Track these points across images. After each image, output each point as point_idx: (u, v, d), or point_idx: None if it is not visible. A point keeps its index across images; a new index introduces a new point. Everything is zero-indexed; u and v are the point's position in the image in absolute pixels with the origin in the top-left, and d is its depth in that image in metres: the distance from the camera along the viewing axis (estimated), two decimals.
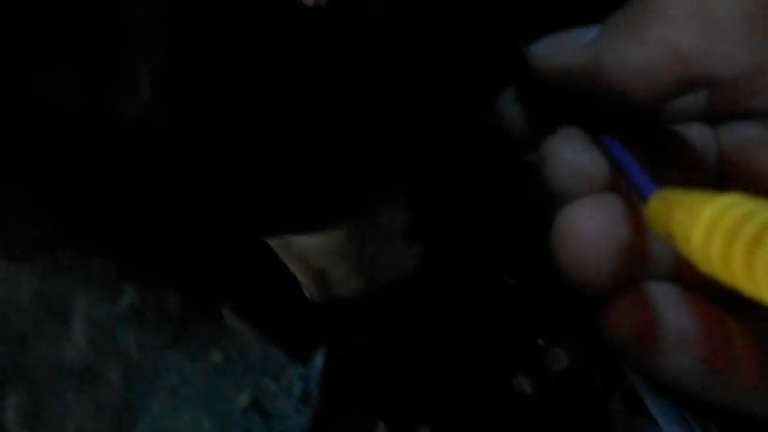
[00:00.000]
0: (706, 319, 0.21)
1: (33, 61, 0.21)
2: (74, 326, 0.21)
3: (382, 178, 0.40)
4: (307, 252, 0.43)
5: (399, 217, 0.47)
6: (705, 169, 0.24)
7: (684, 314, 0.21)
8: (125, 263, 0.24)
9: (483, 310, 0.56)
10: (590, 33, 0.21)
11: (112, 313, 0.23)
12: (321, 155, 0.34)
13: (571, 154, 0.22)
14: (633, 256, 0.21)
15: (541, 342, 0.56)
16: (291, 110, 0.30)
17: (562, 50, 0.21)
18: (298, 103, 0.31)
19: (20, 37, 0.20)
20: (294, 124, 0.29)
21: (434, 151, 0.46)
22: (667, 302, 0.21)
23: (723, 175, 0.25)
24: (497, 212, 0.54)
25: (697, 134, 0.25)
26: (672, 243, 0.20)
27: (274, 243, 0.41)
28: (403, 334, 0.53)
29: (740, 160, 0.24)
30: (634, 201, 0.23)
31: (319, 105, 0.32)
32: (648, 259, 0.22)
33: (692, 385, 0.20)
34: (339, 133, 0.33)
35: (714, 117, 0.24)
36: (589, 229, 0.21)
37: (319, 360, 0.28)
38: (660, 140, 0.24)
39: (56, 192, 0.23)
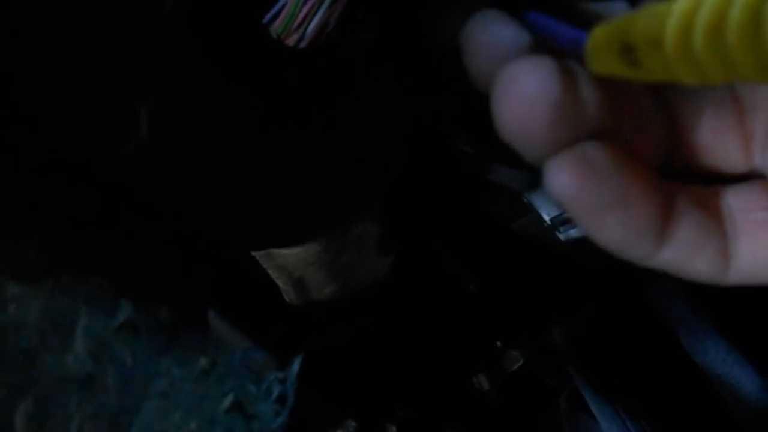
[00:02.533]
0: (640, 179, 0.20)
1: (47, 103, 0.22)
2: (76, 340, 0.23)
3: (358, 196, 0.42)
4: (287, 262, 0.45)
5: (373, 229, 0.49)
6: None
7: (618, 173, 0.20)
8: (121, 281, 0.25)
9: (447, 314, 0.58)
10: None
11: (110, 327, 0.24)
12: (302, 178, 0.35)
13: (486, 35, 0.21)
14: (570, 114, 0.20)
15: (498, 344, 0.59)
16: (272, 138, 0.31)
17: None
18: (279, 132, 0.32)
19: (38, 84, 0.22)
20: (275, 151, 0.30)
21: (406, 170, 0.48)
22: (603, 160, 0.20)
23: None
24: (461, 224, 0.56)
25: (617, 10, 0.24)
26: (625, 69, 0.18)
27: (257, 255, 0.42)
28: (371, 336, 0.55)
29: None
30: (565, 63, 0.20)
31: (300, 133, 0.33)
32: (585, 118, 0.21)
33: (611, 242, 0.20)
34: (318, 157, 0.35)
35: None
36: (526, 86, 0.20)
37: (295, 366, 0.29)
38: (577, 19, 0.22)
39: (61, 221, 0.24)
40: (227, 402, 0.29)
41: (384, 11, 0.33)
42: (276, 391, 0.29)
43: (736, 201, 0.21)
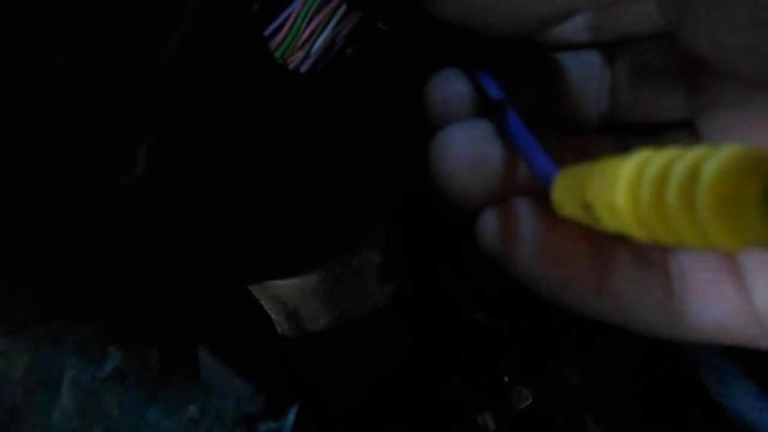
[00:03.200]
0: (561, 230, 0.22)
1: (43, 140, 0.22)
2: (63, 394, 0.23)
3: (360, 226, 0.42)
4: (281, 292, 0.45)
5: (374, 257, 0.49)
6: (590, 101, 0.24)
7: (539, 226, 0.22)
8: (110, 325, 0.26)
9: (451, 346, 0.59)
10: None
11: (98, 377, 0.25)
12: (303, 208, 0.36)
13: (445, 92, 0.24)
14: (501, 174, 0.22)
15: (506, 379, 0.59)
16: (275, 170, 0.32)
17: None
18: (282, 163, 0.32)
19: (34, 122, 0.22)
20: (277, 183, 0.31)
21: (409, 198, 0.48)
22: (526, 215, 0.22)
23: (613, 106, 0.25)
24: (468, 250, 0.56)
25: (585, 61, 0.25)
26: (589, 219, 0.19)
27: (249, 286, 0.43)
28: (371, 368, 0.55)
29: (630, 90, 0.24)
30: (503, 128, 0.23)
31: (304, 164, 0.34)
32: (516, 177, 0.23)
33: (545, 292, 0.23)
34: (320, 187, 0.35)
35: (603, 41, 0.24)
36: (459, 149, 0.23)
37: (291, 415, 0.30)
38: (545, 68, 0.24)
39: (51, 266, 0.24)
40: None
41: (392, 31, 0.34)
42: None
43: (686, 259, 0.22)
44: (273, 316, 0.47)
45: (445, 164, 0.23)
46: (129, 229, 0.26)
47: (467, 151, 0.22)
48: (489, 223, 0.23)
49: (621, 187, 0.17)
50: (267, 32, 0.31)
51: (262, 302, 0.45)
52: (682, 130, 0.24)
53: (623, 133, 0.25)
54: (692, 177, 0.16)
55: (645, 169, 0.17)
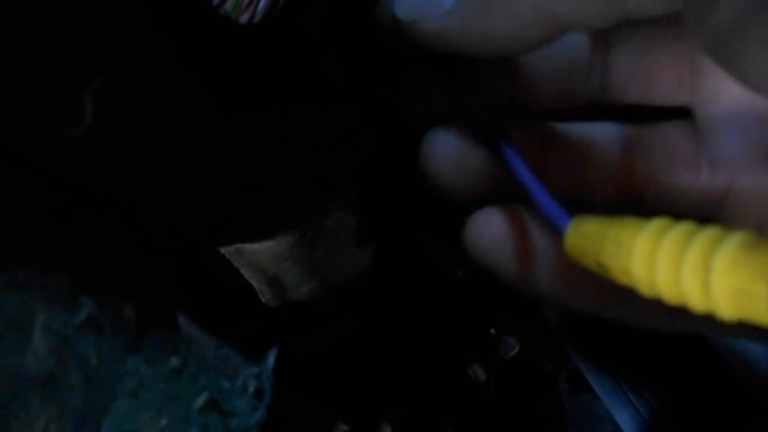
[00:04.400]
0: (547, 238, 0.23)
1: None
2: (35, 338, 0.23)
3: (327, 184, 0.43)
4: (260, 258, 0.46)
5: (348, 219, 0.50)
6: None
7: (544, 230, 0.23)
8: (81, 277, 0.26)
9: (435, 304, 0.59)
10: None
11: (71, 325, 0.25)
12: (263, 165, 0.36)
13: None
14: (495, 179, 0.23)
15: (492, 331, 0.59)
16: (230, 123, 0.32)
17: (425, 17, 0.23)
18: (237, 115, 0.33)
19: None
20: (231, 138, 0.31)
21: (379, 153, 0.48)
22: (530, 219, 0.23)
23: (604, 85, 0.25)
24: (445, 208, 0.57)
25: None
26: (598, 272, 0.21)
27: (226, 252, 0.43)
28: (358, 332, 0.55)
29: (625, 71, 0.24)
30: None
31: (260, 116, 0.34)
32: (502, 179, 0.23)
33: (553, 297, 0.24)
34: (278, 143, 0.35)
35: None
36: (449, 152, 0.24)
37: (271, 359, 0.30)
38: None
39: (12, 214, 0.24)
40: (201, 400, 0.29)
41: None
42: (252, 386, 0.30)
43: None
44: (255, 285, 0.47)
45: (434, 164, 0.24)
46: (86, 183, 0.26)
47: (452, 151, 0.24)
48: (487, 228, 0.24)
49: (637, 262, 0.19)
50: (216, 1, 0.31)
51: (242, 270, 0.45)
52: (678, 118, 0.24)
53: (616, 116, 0.25)
54: (705, 265, 0.17)
55: (659, 248, 0.18)
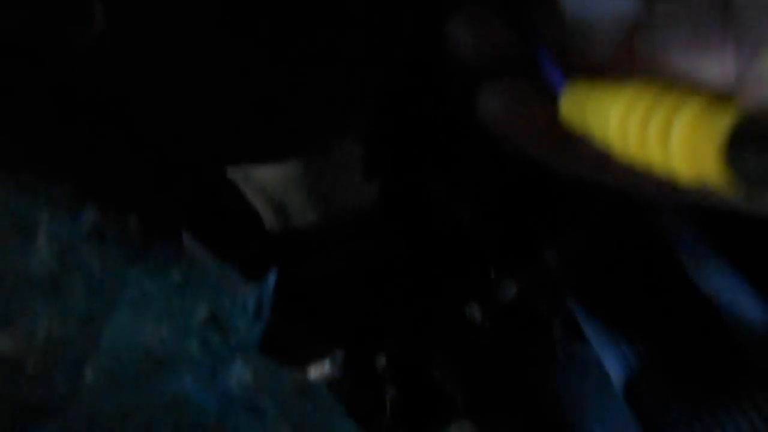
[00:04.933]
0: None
1: None
2: (39, 240, 0.24)
3: (336, 112, 0.42)
4: (266, 184, 0.45)
5: (354, 152, 0.49)
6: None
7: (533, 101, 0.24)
8: (85, 186, 0.26)
9: (437, 242, 0.59)
10: None
11: (75, 230, 0.25)
12: (275, 86, 0.36)
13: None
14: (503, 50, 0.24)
15: (492, 273, 0.60)
16: (244, 39, 0.31)
17: None
18: (252, 32, 0.32)
19: None
20: (247, 53, 0.31)
21: (388, 86, 0.48)
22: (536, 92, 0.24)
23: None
24: (451, 145, 0.56)
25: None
26: (584, 131, 0.22)
27: (234, 175, 0.43)
28: (360, 265, 0.56)
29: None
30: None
31: (275, 36, 0.33)
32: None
33: (545, 159, 0.24)
34: (293, 63, 0.35)
35: None
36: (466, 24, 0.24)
37: (271, 279, 0.30)
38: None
39: (18, 116, 0.24)
40: (202, 314, 0.30)
41: None
42: (252, 304, 0.30)
43: None
44: (260, 211, 0.47)
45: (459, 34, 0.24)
46: (94, 91, 0.26)
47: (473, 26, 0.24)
48: (490, 95, 0.24)
49: (612, 123, 0.20)
50: None
51: (248, 195, 0.45)
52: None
53: None
54: (667, 126, 0.19)
55: (632, 110, 0.20)
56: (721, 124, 0.17)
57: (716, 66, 0.21)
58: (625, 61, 0.23)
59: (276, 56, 0.33)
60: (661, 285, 0.46)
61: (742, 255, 0.48)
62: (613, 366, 0.43)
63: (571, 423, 0.49)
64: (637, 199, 0.49)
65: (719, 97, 0.19)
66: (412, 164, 0.57)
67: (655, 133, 0.19)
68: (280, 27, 0.33)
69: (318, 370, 0.55)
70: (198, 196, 0.37)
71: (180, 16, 0.27)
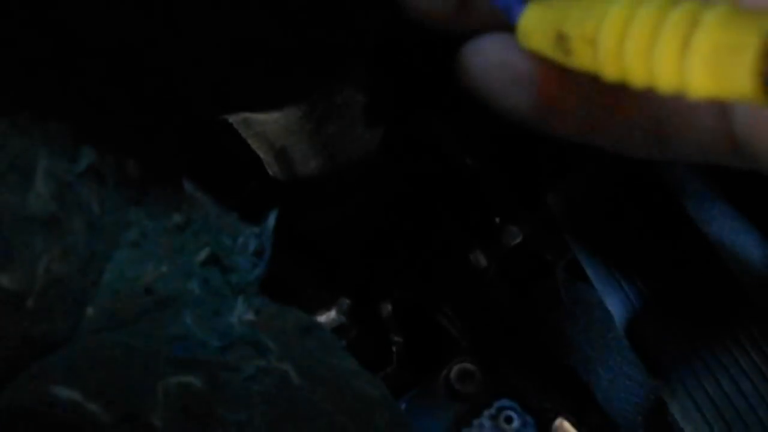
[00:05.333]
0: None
1: None
2: (36, 180, 0.24)
3: (337, 57, 0.42)
4: (267, 130, 0.45)
5: (356, 98, 0.49)
6: None
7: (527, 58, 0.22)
8: (82, 127, 0.26)
9: (442, 189, 0.59)
10: None
11: (73, 171, 0.25)
12: (275, 31, 0.35)
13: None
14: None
15: (497, 219, 0.60)
16: None
17: None
18: None
19: None
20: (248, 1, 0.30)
21: (391, 32, 0.47)
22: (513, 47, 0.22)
23: None
24: (455, 93, 0.56)
25: None
26: (556, 54, 0.19)
27: (234, 122, 0.43)
28: (365, 213, 0.56)
29: None
30: None
31: None
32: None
33: (530, 122, 0.23)
34: (292, 9, 0.34)
35: None
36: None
37: (271, 219, 0.30)
38: None
39: (18, 57, 0.24)
40: (203, 255, 0.30)
41: None
42: (252, 244, 0.31)
43: None
44: (263, 157, 0.47)
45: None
46: (94, 34, 0.26)
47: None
48: (478, 55, 0.22)
49: (609, 22, 0.17)
50: None
51: (249, 141, 0.45)
52: None
53: None
54: (691, 21, 0.16)
55: (638, 8, 0.17)
56: (759, 29, 0.15)
57: None
58: None
59: (275, 2, 0.32)
60: (662, 226, 0.45)
61: (743, 196, 0.47)
62: (615, 306, 0.43)
63: (575, 363, 0.50)
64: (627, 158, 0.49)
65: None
66: (414, 110, 0.56)
67: (668, 42, 0.16)
68: None
69: (324, 317, 0.55)
70: (197, 141, 0.37)
71: None
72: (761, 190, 0.45)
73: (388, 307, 0.57)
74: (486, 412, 0.50)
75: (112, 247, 0.27)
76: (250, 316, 0.30)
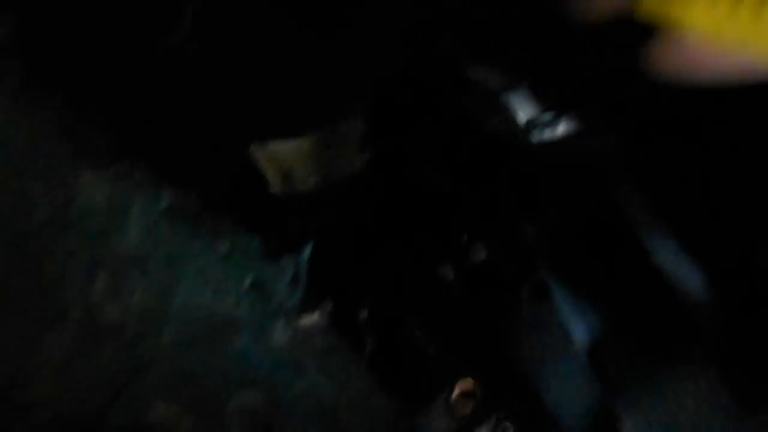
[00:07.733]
0: None
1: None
2: (132, 222, 0.26)
3: (349, 97, 0.45)
4: (279, 152, 0.48)
5: (357, 125, 0.52)
6: None
7: None
8: (160, 170, 0.28)
9: (416, 208, 0.63)
10: None
11: (157, 211, 0.28)
12: (301, 77, 0.38)
13: None
14: None
15: (464, 236, 0.63)
16: (284, 45, 0.34)
17: None
18: (291, 39, 0.35)
19: None
20: (298, 55, 0.33)
21: (389, 74, 0.51)
22: None
23: None
24: (437, 120, 0.59)
25: None
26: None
27: (252, 147, 0.45)
28: (346, 226, 0.59)
29: None
30: None
31: (323, 41, 0.36)
32: None
33: None
34: (326, 60, 0.37)
35: None
36: None
37: (307, 250, 0.33)
38: None
39: (120, 111, 0.26)
40: (248, 281, 0.33)
41: None
42: (290, 272, 0.34)
43: None
44: (269, 177, 0.50)
45: None
46: (172, 87, 0.28)
47: None
48: None
49: None
50: None
51: (260, 163, 0.48)
52: None
53: None
54: None
55: None
56: None
57: None
58: None
59: (315, 54, 0.35)
60: (623, 260, 0.51)
61: (688, 233, 0.53)
62: (579, 330, 0.48)
63: (531, 376, 0.55)
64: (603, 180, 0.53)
65: None
66: (400, 136, 0.59)
67: None
68: (325, 33, 0.35)
69: (309, 319, 0.58)
70: (237, 174, 0.39)
71: (245, 26, 0.29)
72: (702, 228, 0.51)
73: (364, 313, 0.60)
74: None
75: (181, 276, 0.29)
76: (287, 336, 0.34)
